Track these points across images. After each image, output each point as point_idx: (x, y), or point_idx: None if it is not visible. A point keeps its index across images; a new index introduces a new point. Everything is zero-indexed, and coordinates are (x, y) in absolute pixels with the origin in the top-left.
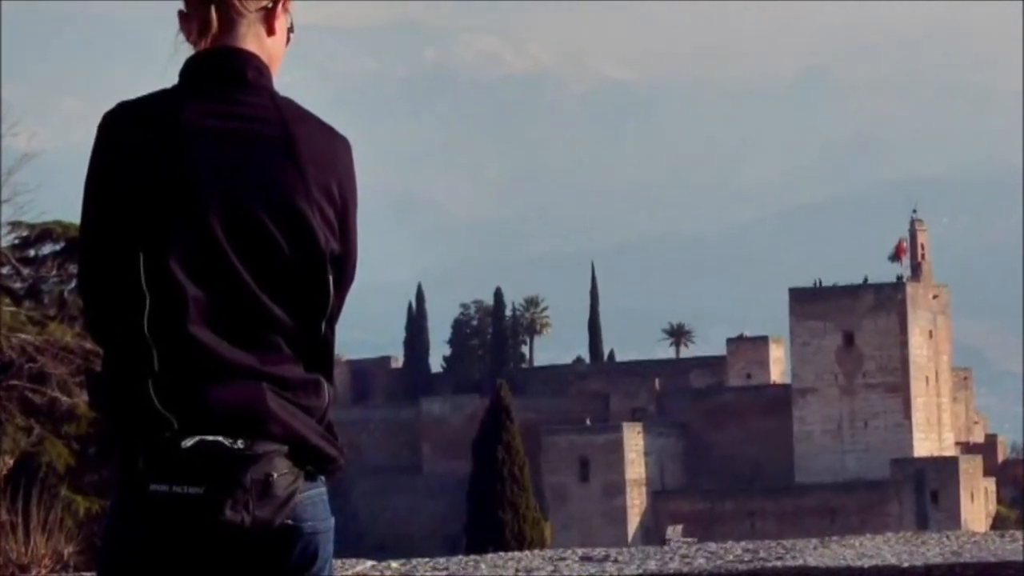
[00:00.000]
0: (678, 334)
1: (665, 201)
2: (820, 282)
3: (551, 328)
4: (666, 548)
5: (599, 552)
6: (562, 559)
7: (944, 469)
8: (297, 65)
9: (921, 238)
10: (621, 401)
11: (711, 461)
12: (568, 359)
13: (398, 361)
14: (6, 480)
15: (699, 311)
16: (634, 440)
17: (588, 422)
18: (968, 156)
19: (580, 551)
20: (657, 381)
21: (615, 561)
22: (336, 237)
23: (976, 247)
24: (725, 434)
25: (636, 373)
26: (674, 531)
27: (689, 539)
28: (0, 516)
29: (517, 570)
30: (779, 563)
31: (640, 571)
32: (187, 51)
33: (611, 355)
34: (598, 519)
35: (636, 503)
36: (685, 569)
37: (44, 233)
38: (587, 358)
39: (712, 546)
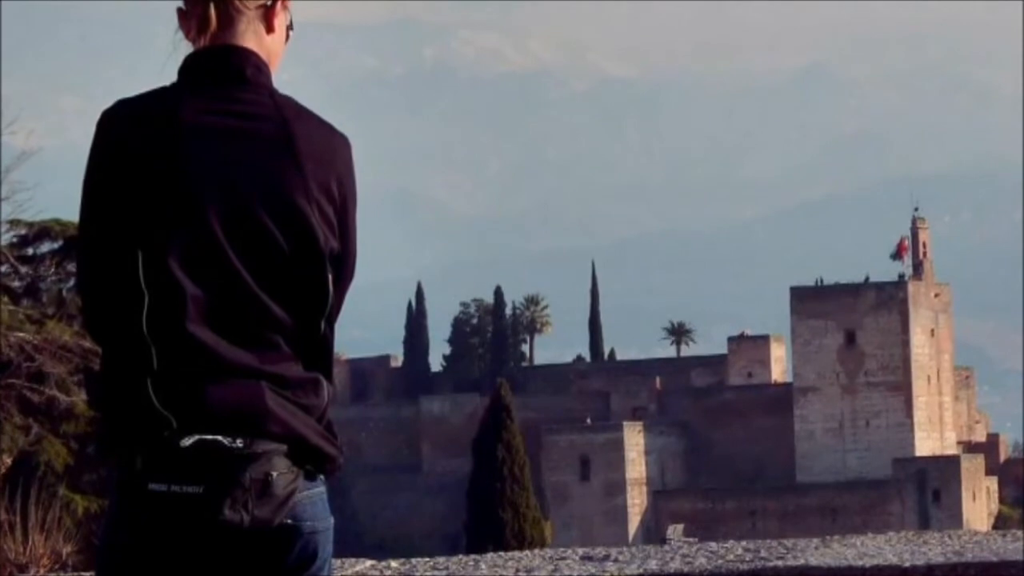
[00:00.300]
0: (679, 332)
1: (666, 198)
2: (822, 280)
3: (551, 326)
4: (667, 547)
5: (600, 551)
6: (563, 558)
7: (946, 468)
8: (296, 62)
9: (923, 236)
10: (622, 400)
11: (712, 460)
12: (568, 357)
13: (398, 360)
14: (4, 479)
15: (700, 309)
16: (635, 439)
17: (589, 421)
18: (970, 152)
19: (581, 550)
20: (658, 380)
21: (616, 561)
22: (335, 235)
23: (978, 244)
24: (726, 433)
25: (637, 372)
26: (675, 530)
27: (690, 539)
28: None
29: (517, 570)
30: (780, 563)
31: (641, 571)
32: (186, 48)
33: (612, 354)
34: (599, 518)
35: (637, 502)
36: (686, 569)
37: (42, 231)
38: (587, 356)
39: (713, 545)
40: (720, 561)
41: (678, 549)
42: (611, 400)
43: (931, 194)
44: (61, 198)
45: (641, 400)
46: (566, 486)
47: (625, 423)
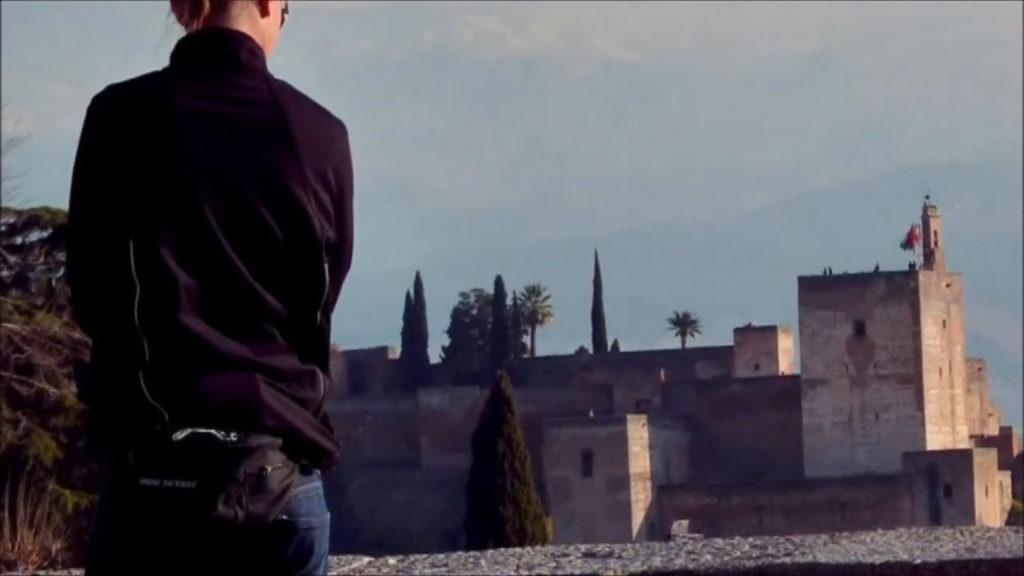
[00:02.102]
0: (684, 324)
1: (670, 187)
2: (830, 270)
3: (553, 318)
4: (671, 544)
5: (603, 548)
6: (564, 555)
7: (958, 463)
8: (292, 47)
9: (934, 225)
10: (625, 393)
11: (718, 454)
12: (570, 349)
13: (396, 352)
14: None
15: (706, 300)
16: (638, 433)
17: (591, 414)
18: (980, 141)
19: (583, 547)
20: (662, 372)
21: (619, 558)
22: (332, 224)
23: (988, 234)
24: (732, 427)
25: (640, 364)
26: (680, 527)
27: (695, 535)
28: None
29: (519, 566)
30: (788, 559)
31: (645, 568)
32: (178, 32)
33: (615, 345)
34: (601, 514)
35: (641, 498)
36: (691, 566)
37: (31, 220)
38: (590, 348)
39: (719, 542)
40: (726, 558)
41: (683, 546)
42: (614, 393)
43: (940, 183)
44: (51, 186)
45: (645, 393)
46: (568, 481)
47: (629, 416)
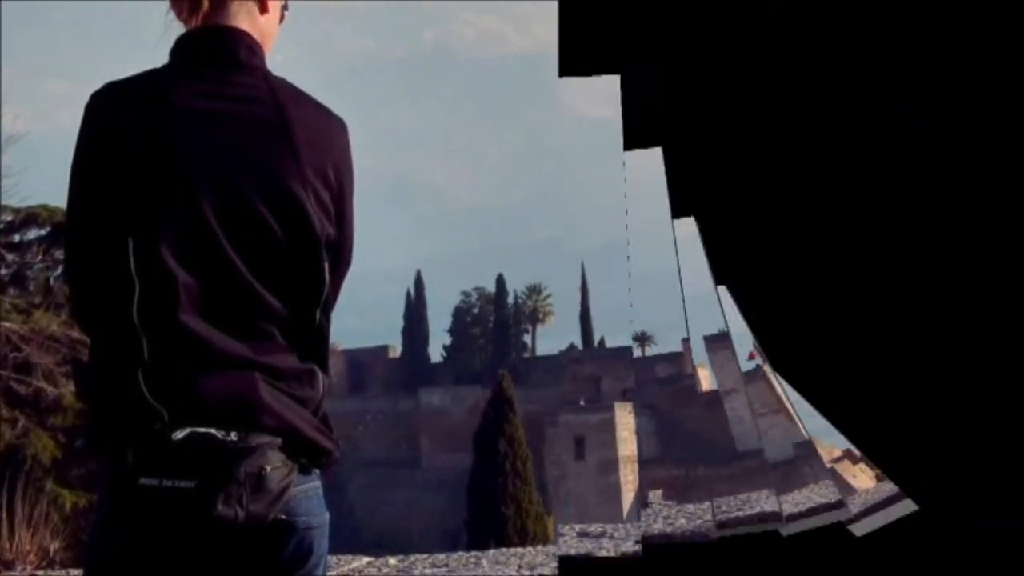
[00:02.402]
0: (643, 340)
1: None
2: None
3: (554, 316)
4: (648, 511)
5: (596, 528)
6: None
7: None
8: (291, 45)
9: None
10: (612, 383)
11: (680, 436)
12: (564, 346)
13: (396, 351)
14: None
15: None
16: (625, 419)
17: (582, 403)
18: None
19: (578, 527)
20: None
21: (611, 537)
22: (332, 222)
23: None
24: (691, 411)
25: (626, 358)
26: (655, 496)
27: (669, 502)
28: None
29: (520, 566)
30: (740, 513)
31: (637, 549)
32: (177, 29)
33: (602, 341)
34: (594, 496)
35: (630, 479)
36: (668, 529)
37: (29, 218)
38: (580, 345)
39: (690, 507)
40: (698, 521)
41: (659, 512)
42: (602, 383)
43: None
44: (49, 184)
45: (630, 383)
46: (563, 465)
47: (616, 403)
